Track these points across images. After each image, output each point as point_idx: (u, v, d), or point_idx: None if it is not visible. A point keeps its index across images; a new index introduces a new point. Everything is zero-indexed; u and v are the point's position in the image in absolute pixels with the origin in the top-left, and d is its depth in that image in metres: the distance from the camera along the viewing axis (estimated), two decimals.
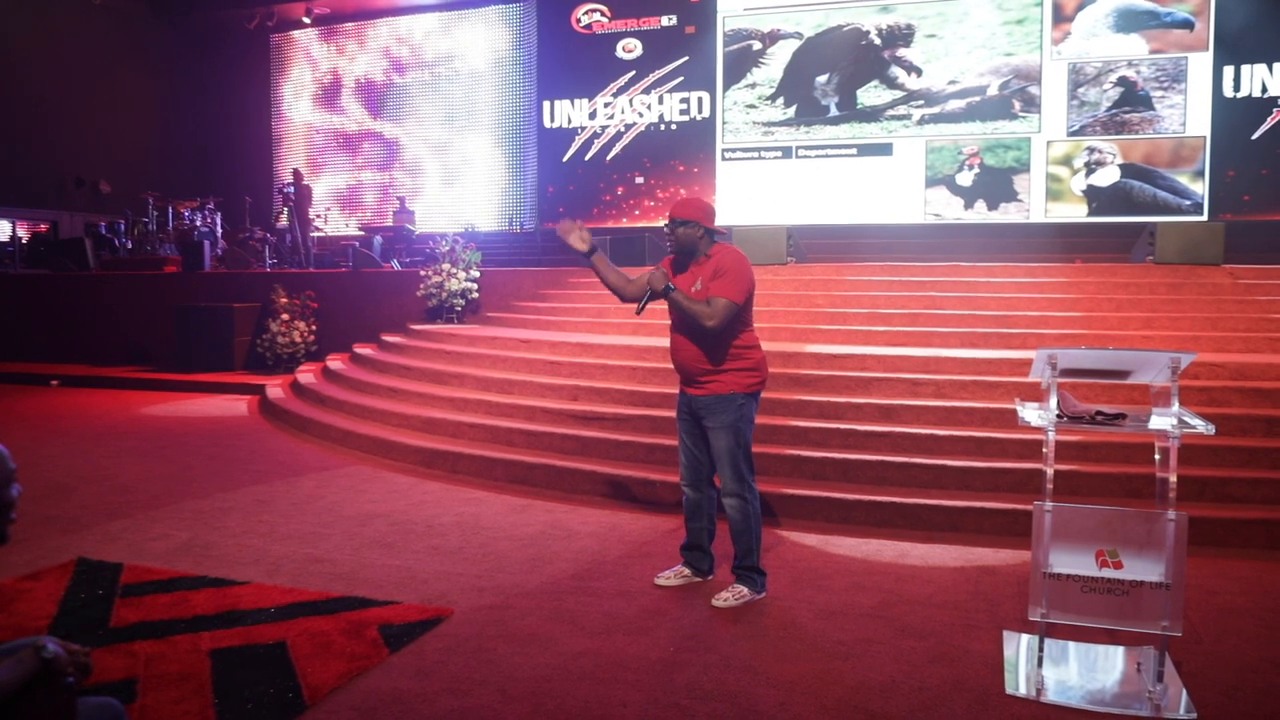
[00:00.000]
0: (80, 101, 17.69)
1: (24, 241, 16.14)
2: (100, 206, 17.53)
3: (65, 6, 17.61)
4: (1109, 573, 3.31)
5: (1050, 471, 3.39)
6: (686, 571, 4.46)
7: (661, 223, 4.45)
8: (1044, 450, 3.40)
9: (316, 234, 15.89)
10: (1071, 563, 3.35)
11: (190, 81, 19.88)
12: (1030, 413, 3.51)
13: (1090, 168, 13.61)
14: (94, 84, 18.02)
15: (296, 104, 19.17)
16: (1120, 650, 3.69)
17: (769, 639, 3.81)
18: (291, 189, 15.30)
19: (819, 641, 3.77)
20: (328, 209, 17.62)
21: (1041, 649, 3.42)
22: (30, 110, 16.75)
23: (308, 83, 19.04)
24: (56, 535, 5.22)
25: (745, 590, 4.21)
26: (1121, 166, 13.48)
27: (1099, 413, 3.41)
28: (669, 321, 4.35)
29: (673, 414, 4.63)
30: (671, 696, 3.28)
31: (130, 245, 15.31)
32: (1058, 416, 3.38)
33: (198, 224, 15.07)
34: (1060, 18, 13.71)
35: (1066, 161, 13.72)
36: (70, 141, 17.41)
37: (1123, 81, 13.46)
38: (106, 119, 18.21)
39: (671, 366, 4.39)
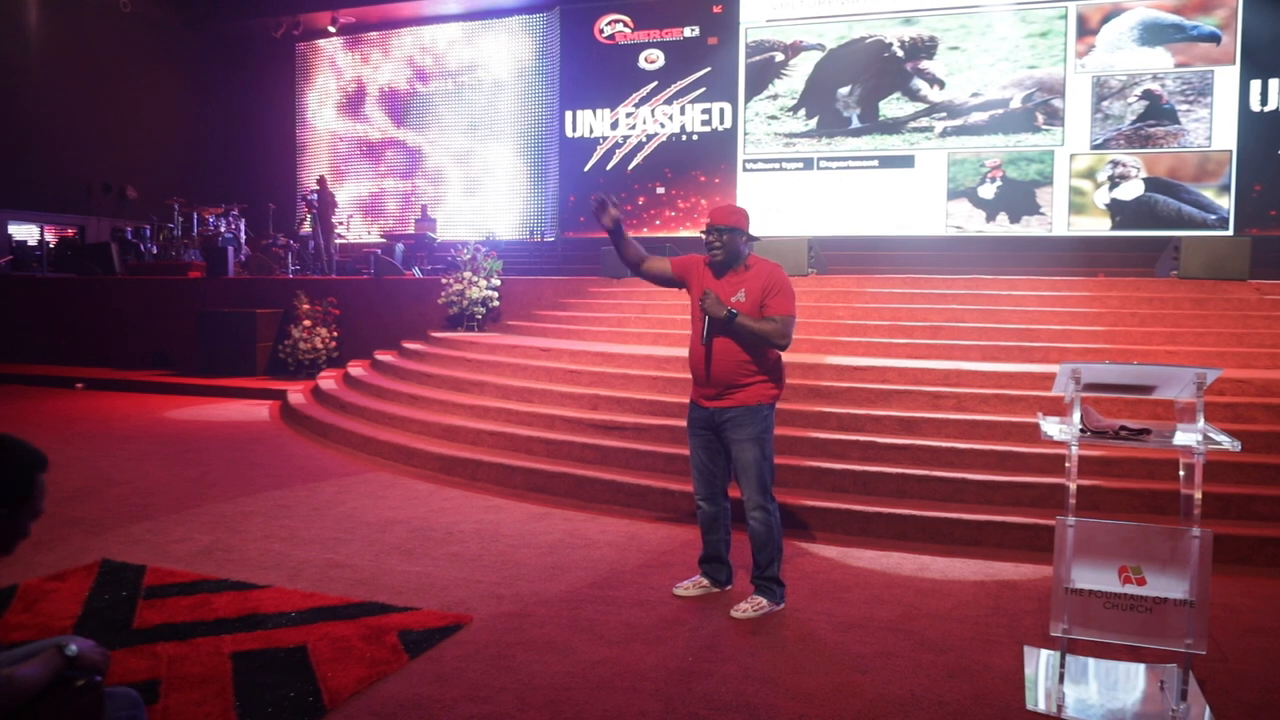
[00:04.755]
0: (108, 108, 17.92)
1: (51, 246, 16.32)
2: (127, 212, 17.73)
3: (94, 13, 17.87)
4: (1132, 589, 3.29)
5: (1073, 486, 3.36)
6: (705, 582, 4.45)
7: (693, 232, 4.40)
8: (1066, 465, 3.38)
9: (339, 241, 16.00)
10: (1094, 578, 3.32)
11: (217, 89, 20.12)
12: (1053, 427, 3.49)
13: (1114, 181, 13.54)
14: (122, 91, 18.26)
15: (321, 112, 19.35)
16: (1142, 668, 3.65)
17: (788, 651, 3.80)
18: (315, 196, 15.43)
19: (838, 654, 3.76)
20: (350, 216, 17.75)
21: (1063, 665, 3.39)
22: (59, 116, 16.98)
23: (332, 91, 19.21)
24: (81, 537, 5.27)
25: (765, 602, 4.20)
26: (1146, 180, 13.40)
27: (1123, 428, 3.38)
28: (688, 332, 4.32)
29: None
30: (690, 707, 3.28)
31: (155, 250, 15.48)
32: (1081, 431, 3.36)
33: (222, 230, 15.21)
34: (1085, 30, 13.66)
35: (1090, 175, 13.65)
36: (98, 147, 17.63)
37: (1147, 95, 13.38)
38: (134, 125, 18.43)
39: (689, 377, 4.34)
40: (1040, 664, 3.65)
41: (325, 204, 15.37)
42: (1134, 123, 13.45)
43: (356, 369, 10.38)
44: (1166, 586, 3.25)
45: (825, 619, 4.15)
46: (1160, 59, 13.34)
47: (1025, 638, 3.93)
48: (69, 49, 17.37)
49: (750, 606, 4.17)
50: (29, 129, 16.47)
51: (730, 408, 4.15)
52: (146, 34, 18.86)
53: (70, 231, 17.45)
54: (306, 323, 11.70)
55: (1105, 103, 13.58)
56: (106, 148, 17.79)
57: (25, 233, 17.07)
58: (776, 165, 15.21)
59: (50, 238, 16.83)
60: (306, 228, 15.63)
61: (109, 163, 17.83)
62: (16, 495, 2.03)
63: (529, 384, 8.08)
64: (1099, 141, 13.61)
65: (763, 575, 4.23)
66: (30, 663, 2.02)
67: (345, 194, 18.42)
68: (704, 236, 4.22)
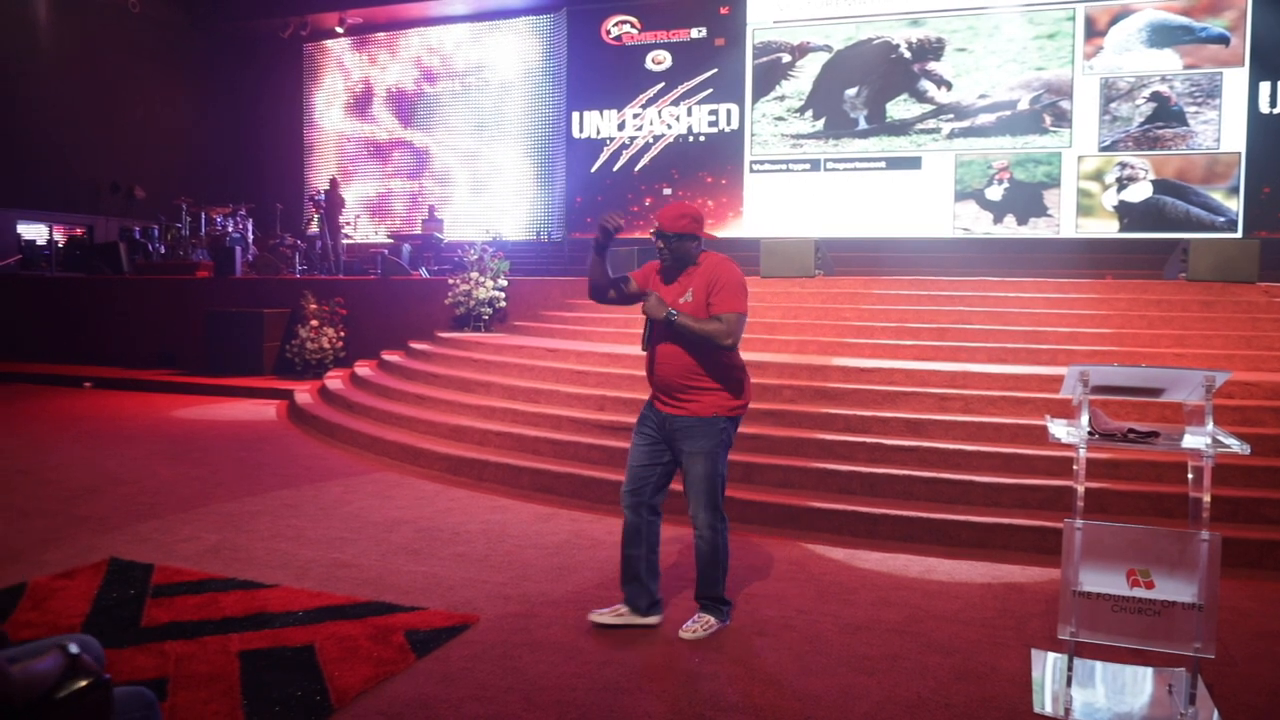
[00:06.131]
0: (117, 108, 17.97)
1: (60, 245, 16.38)
2: (135, 212, 17.79)
3: (103, 13, 17.93)
4: (1140, 592, 3.28)
5: (1081, 489, 3.35)
6: (624, 610, 4.05)
7: (652, 232, 4.19)
8: (1074, 467, 3.37)
9: (346, 241, 16.04)
10: (1102, 581, 3.31)
11: (224, 89, 20.16)
12: (1061, 429, 3.48)
13: (1122, 183, 13.50)
14: (130, 91, 18.31)
15: (328, 112, 19.38)
16: (1150, 671, 3.64)
17: (794, 652, 3.79)
18: (323, 196, 15.46)
19: (844, 656, 3.76)
20: (357, 216, 17.77)
21: (1070, 668, 3.39)
22: (68, 116, 17.04)
23: (339, 91, 19.24)
24: (89, 535, 5.29)
25: (713, 620, 4.00)
26: (1154, 182, 13.36)
27: (1131, 430, 3.37)
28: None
29: None
30: (696, 708, 3.28)
31: (163, 250, 15.51)
32: (1089, 434, 3.36)
33: (230, 230, 15.25)
34: (1093, 32, 13.63)
35: (1098, 177, 13.61)
36: (106, 147, 17.69)
37: (1156, 96, 13.34)
38: (142, 126, 18.49)
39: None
40: (1047, 667, 3.64)
41: (332, 204, 15.40)
42: (1142, 124, 13.41)
43: (363, 369, 10.40)
44: (1175, 590, 3.24)
45: (832, 620, 4.14)
46: (1169, 61, 13.30)
47: (1032, 640, 3.92)
48: (77, 49, 17.42)
49: (700, 627, 3.95)
50: (37, 129, 16.53)
51: (683, 416, 3.92)
52: (154, 34, 18.92)
53: (78, 231, 17.52)
54: (313, 323, 11.73)
55: (1113, 104, 13.54)
56: (114, 148, 17.85)
57: (34, 232, 17.11)
58: (783, 166, 15.20)
59: (59, 237, 16.89)
60: (314, 228, 15.66)
61: (117, 162, 17.89)
62: None
63: (536, 384, 8.09)
64: (1107, 143, 13.57)
65: (708, 594, 4.03)
66: (37, 659, 2.03)
67: (352, 194, 18.44)
68: (653, 240, 4.09)
